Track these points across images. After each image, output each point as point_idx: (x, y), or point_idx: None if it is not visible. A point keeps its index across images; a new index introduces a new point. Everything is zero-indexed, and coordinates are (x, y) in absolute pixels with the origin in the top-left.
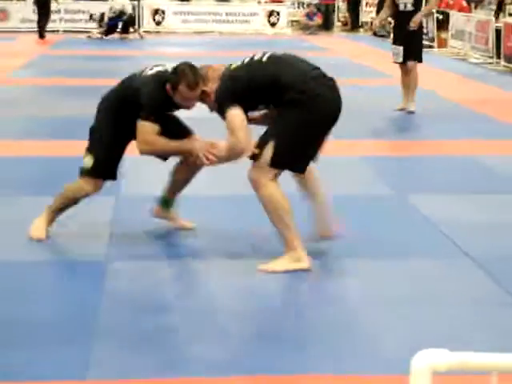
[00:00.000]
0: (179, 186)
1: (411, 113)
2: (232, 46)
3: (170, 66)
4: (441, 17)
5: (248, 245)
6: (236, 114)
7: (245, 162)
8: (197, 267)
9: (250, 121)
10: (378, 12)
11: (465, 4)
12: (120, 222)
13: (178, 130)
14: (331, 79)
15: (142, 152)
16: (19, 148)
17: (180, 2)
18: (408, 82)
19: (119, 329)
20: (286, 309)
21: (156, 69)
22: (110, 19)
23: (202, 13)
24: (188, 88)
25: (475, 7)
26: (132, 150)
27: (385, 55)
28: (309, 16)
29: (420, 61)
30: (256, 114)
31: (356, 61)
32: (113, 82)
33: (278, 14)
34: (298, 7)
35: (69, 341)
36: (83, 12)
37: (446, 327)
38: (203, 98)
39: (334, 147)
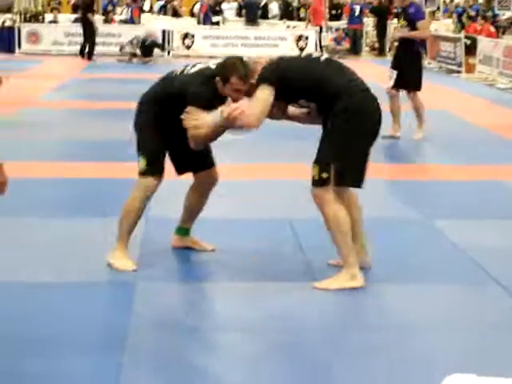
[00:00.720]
0: (193, 212)
1: (416, 140)
2: None
3: (211, 63)
4: (469, 42)
5: (274, 266)
6: (266, 93)
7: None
8: (224, 288)
9: (290, 118)
10: None
11: (492, 30)
12: (149, 244)
13: (201, 158)
14: (375, 97)
15: (195, 147)
16: (53, 170)
17: (210, 26)
18: (395, 109)
19: (148, 350)
20: (316, 332)
21: (199, 66)
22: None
23: (230, 37)
24: (240, 80)
25: (503, 33)
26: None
27: None
28: (337, 40)
29: (417, 89)
30: (298, 111)
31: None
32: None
33: (307, 38)
34: (327, 32)
35: (97, 363)
36: (113, 35)
37: (474, 353)
38: (250, 91)
39: None
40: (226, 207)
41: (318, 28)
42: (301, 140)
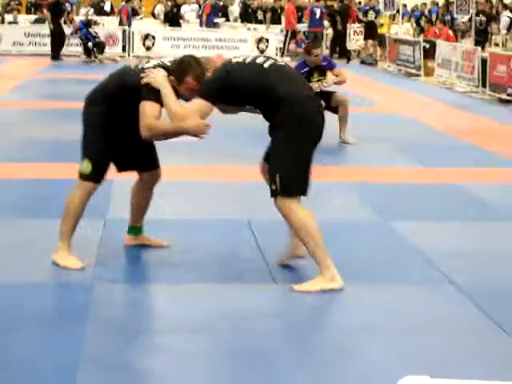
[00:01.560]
0: (142, 209)
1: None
2: None
3: (166, 60)
4: (427, 46)
5: (233, 268)
6: (204, 105)
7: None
8: (186, 290)
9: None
10: (366, 37)
11: (451, 33)
12: (107, 245)
13: (148, 159)
14: (320, 102)
15: (145, 137)
16: (7, 171)
17: (171, 28)
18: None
19: (104, 356)
20: (279, 331)
21: (152, 62)
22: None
23: (191, 38)
24: (195, 79)
25: (462, 36)
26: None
27: (373, 83)
28: (297, 43)
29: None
30: None
31: (345, 88)
32: None
33: (267, 40)
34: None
35: (53, 367)
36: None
37: (429, 354)
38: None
39: (318, 173)
40: (183, 207)
41: (289, 31)
42: (261, 142)
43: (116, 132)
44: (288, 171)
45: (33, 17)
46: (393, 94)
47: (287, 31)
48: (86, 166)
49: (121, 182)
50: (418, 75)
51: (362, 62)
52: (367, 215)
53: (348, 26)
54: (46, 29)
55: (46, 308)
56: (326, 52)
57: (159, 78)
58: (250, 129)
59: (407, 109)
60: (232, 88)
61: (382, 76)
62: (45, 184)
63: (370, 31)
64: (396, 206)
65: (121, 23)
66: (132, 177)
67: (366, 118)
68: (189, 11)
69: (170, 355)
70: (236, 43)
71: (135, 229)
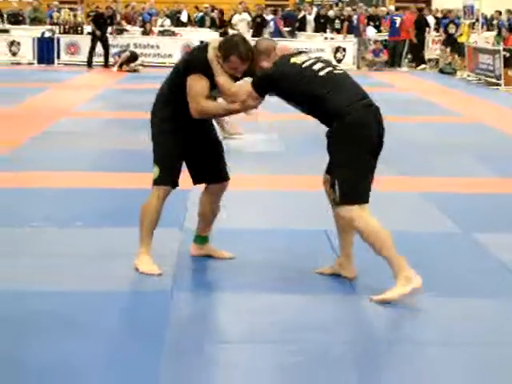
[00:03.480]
0: (209, 218)
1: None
2: None
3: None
4: (508, 54)
5: (312, 278)
6: (254, 94)
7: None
8: (267, 300)
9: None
10: (443, 44)
11: None
12: (185, 254)
13: (219, 170)
14: (377, 109)
15: (194, 115)
16: (89, 180)
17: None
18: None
19: (184, 358)
20: (354, 343)
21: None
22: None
23: None
24: (239, 59)
25: None
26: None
27: (452, 93)
28: (375, 52)
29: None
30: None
31: (424, 98)
32: None
33: (344, 50)
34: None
35: (135, 369)
36: (152, 46)
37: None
38: (254, 71)
39: (398, 183)
40: (258, 217)
41: (406, 41)
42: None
43: (184, 139)
44: (347, 181)
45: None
46: (473, 103)
47: (404, 41)
48: (155, 171)
49: (198, 192)
50: (498, 84)
51: (441, 71)
52: (447, 226)
53: (426, 34)
54: (123, 39)
55: (124, 316)
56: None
57: (210, 54)
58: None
59: (487, 118)
60: (283, 91)
61: (461, 85)
62: (120, 193)
63: (449, 44)
64: (476, 217)
65: None
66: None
67: (445, 127)
68: (238, 21)
69: (250, 365)
70: (313, 53)
71: (200, 238)
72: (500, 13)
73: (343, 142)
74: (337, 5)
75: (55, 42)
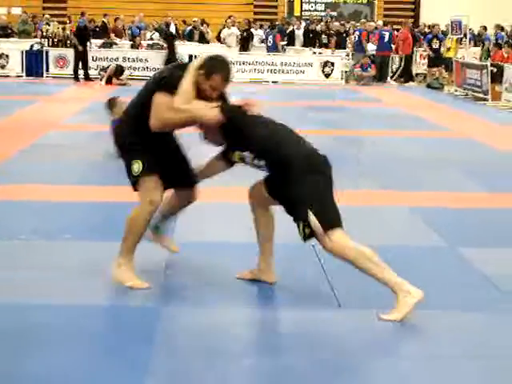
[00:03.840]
0: (167, 216)
1: None
2: (289, 95)
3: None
4: (495, 70)
5: (298, 292)
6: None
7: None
8: (254, 313)
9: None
10: (429, 65)
11: None
12: (173, 268)
13: (184, 177)
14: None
15: (154, 129)
16: (78, 193)
17: (239, 53)
18: None
19: (173, 374)
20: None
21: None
22: None
23: (256, 62)
24: (223, 80)
25: None
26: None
27: (440, 108)
28: (363, 67)
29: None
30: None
31: (412, 113)
32: None
33: (333, 64)
34: (352, 59)
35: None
36: (141, 60)
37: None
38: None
39: (385, 197)
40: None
41: (403, 56)
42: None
43: (151, 148)
44: (318, 206)
45: (100, 41)
46: (460, 118)
47: (406, 56)
48: (137, 167)
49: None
50: (485, 99)
51: (429, 86)
52: (432, 241)
53: (414, 49)
54: (112, 52)
55: (110, 330)
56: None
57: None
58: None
59: (475, 133)
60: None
61: (448, 100)
62: (108, 206)
63: (434, 59)
64: (461, 232)
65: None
66: (199, 199)
67: (432, 142)
68: (227, 35)
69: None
70: (302, 67)
71: (158, 228)
72: (485, 28)
73: (298, 174)
74: (327, 21)
75: (44, 54)
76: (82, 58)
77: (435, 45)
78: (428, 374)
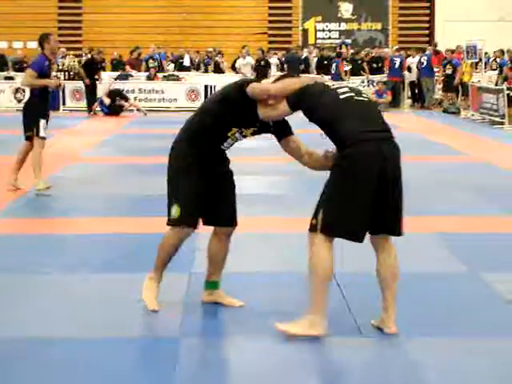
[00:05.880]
0: (218, 262)
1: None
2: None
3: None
4: (511, 93)
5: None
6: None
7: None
8: (272, 342)
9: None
10: (444, 90)
11: None
12: (194, 299)
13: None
14: (393, 144)
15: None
16: (98, 225)
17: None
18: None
19: None
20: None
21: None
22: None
23: None
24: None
25: None
26: (202, 226)
27: (457, 132)
28: (378, 94)
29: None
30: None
31: (429, 138)
32: None
33: None
34: (368, 85)
35: None
36: (157, 91)
37: None
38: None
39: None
40: (259, 260)
41: (358, 81)
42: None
43: (204, 178)
44: (333, 211)
45: (116, 73)
46: (477, 142)
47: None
48: (175, 211)
49: (207, 235)
50: (502, 123)
51: (445, 111)
52: (455, 266)
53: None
54: (127, 85)
55: (131, 363)
56: (408, 102)
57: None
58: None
59: (492, 157)
60: (306, 109)
61: (465, 124)
62: (128, 239)
63: (448, 84)
64: (483, 256)
65: None
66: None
67: (451, 166)
68: (242, 65)
69: None
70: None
71: (210, 284)
72: (503, 52)
73: (341, 171)
74: (340, 47)
75: (60, 88)
76: (89, 90)
77: (448, 70)
78: None
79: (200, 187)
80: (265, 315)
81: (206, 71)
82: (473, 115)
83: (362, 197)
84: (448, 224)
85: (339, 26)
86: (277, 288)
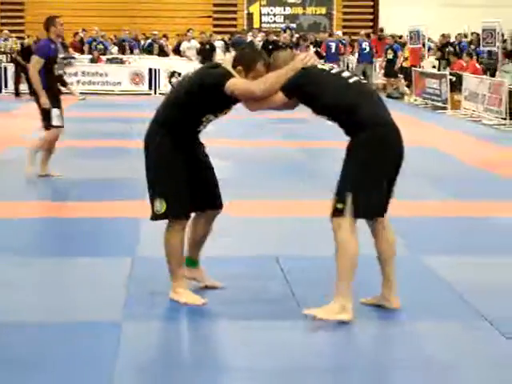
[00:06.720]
0: (200, 242)
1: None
2: None
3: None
4: (454, 79)
5: (262, 303)
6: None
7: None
8: (210, 327)
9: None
10: (385, 74)
11: (478, 66)
12: (136, 283)
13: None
14: (397, 128)
15: (253, 110)
16: (37, 209)
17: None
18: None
19: None
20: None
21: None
22: None
23: None
24: (264, 66)
25: (488, 69)
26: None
27: (401, 117)
28: None
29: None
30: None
31: None
32: (128, 144)
33: None
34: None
35: None
36: (100, 74)
37: None
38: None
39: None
40: (215, 244)
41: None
42: (294, 177)
43: (186, 162)
44: (365, 194)
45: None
46: (420, 127)
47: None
48: (160, 205)
49: (147, 221)
50: (444, 108)
51: (389, 96)
52: (398, 250)
53: (374, 59)
54: (70, 68)
55: (74, 347)
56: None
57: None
58: (286, 162)
59: (435, 142)
60: (308, 95)
61: (408, 109)
62: (75, 222)
63: (389, 69)
64: (424, 240)
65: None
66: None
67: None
68: (187, 48)
69: None
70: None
71: (190, 261)
72: (444, 36)
73: (372, 152)
74: (285, 31)
75: (2, 71)
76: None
77: (389, 55)
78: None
79: (183, 175)
80: (211, 296)
81: (150, 54)
82: (416, 100)
83: (388, 177)
84: (394, 209)
85: (284, 10)
86: (224, 270)
